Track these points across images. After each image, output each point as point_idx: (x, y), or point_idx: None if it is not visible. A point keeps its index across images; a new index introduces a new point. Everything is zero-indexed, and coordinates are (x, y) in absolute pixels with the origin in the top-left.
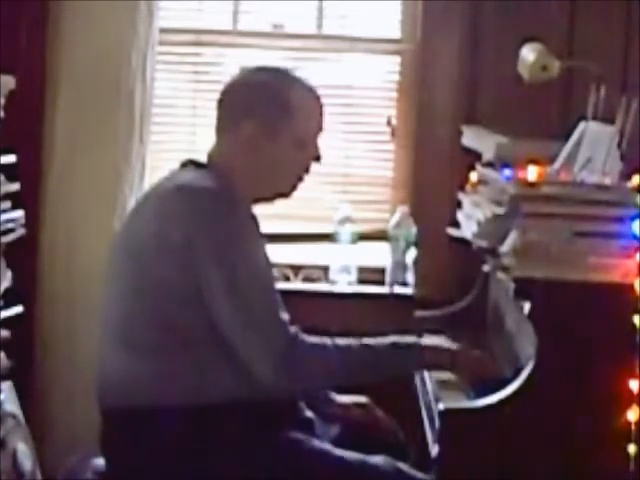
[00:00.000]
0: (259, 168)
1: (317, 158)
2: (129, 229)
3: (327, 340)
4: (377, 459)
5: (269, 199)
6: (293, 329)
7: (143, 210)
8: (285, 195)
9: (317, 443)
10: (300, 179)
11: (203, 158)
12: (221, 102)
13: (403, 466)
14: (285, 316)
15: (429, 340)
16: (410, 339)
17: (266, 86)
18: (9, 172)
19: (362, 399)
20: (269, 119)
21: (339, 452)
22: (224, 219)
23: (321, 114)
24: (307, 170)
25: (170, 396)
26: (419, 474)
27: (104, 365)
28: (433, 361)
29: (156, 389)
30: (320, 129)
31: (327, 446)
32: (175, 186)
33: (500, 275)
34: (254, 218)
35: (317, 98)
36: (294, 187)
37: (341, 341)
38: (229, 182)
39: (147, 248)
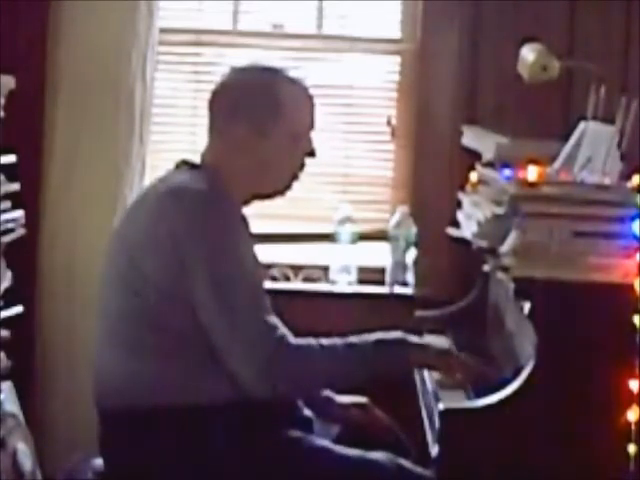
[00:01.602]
0: (253, 167)
1: (311, 153)
2: (123, 230)
3: (312, 341)
4: (378, 455)
5: (265, 197)
6: (279, 332)
7: (137, 211)
8: (281, 192)
9: (317, 440)
10: (295, 176)
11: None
12: (211, 104)
13: (404, 461)
14: (272, 319)
15: (416, 338)
16: (396, 334)
17: (253, 85)
18: (9, 172)
19: (361, 399)
20: (259, 118)
21: (339, 449)
22: (212, 221)
23: (312, 108)
24: (302, 166)
25: (168, 396)
26: (419, 469)
27: (101, 365)
28: (419, 359)
29: (153, 390)
30: (312, 123)
31: (327, 443)
32: (167, 188)
33: (500, 275)
34: (244, 219)
35: (307, 93)
36: (289, 184)
37: (326, 341)
38: (221, 183)
39: (139, 249)
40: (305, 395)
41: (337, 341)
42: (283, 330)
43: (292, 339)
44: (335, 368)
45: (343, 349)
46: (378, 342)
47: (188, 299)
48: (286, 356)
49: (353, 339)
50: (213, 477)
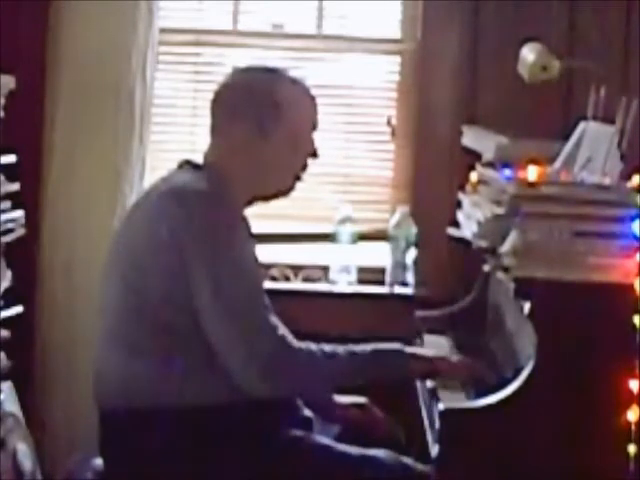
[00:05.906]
0: (255, 169)
1: (314, 154)
2: (125, 230)
3: (312, 345)
4: (378, 452)
5: (267, 198)
6: (280, 333)
7: (138, 211)
8: (283, 194)
9: (318, 439)
10: (298, 177)
11: (202, 158)
12: (213, 104)
13: (404, 458)
14: (273, 320)
15: (412, 348)
16: (395, 345)
17: (254, 87)
18: (9, 172)
19: (361, 399)
20: (260, 120)
21: (340, 447)
22: (213, 222)
23: (314, 110)
24: (304, 167)
25: (168, 396)
26: (420, 466)
27: (101, 366)
28: (418, 369)
29: (153, 390)
30: (314, 125)
31: (328, 441)
32: (169, 188)
33: (500, 275)
34: (245, 220)
35: (308, 94)
36: (292, 185)
37: (327, 347)
38: (223, 184)
39: (140, 249)
40: (303, 396)
41: (337, 348)
42: (283, 330)
43: (293, 341)
44: (333, 374)
45: (343, 356)
46: (375, 352)
47: (188, 299)
48: (287, 356)
49: (353, 347)
50: (213, 477)
